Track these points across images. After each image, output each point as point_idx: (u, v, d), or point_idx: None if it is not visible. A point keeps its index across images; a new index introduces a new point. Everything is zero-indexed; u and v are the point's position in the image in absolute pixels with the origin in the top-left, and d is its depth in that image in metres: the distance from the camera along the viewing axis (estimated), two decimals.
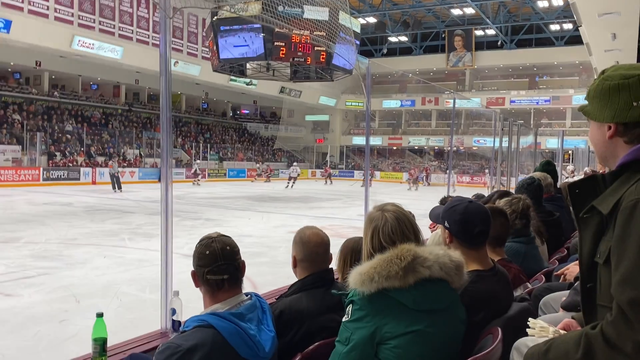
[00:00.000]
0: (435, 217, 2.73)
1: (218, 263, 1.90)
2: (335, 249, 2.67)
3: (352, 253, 2.45)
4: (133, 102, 37.02)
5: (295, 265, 2.30)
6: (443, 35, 42.29)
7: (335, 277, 2.60)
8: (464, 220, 2.08)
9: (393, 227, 1.79)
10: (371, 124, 45.00)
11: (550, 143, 33.51)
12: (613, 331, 1.17)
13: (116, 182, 22.78)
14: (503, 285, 2.12)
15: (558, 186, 5.06)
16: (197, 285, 1.97)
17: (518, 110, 40.37)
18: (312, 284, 2.23)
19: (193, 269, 1.95)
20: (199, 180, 29.65)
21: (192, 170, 30.24)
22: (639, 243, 1.16)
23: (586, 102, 1.41)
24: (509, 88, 41.78)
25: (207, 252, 1.91)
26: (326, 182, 34.46)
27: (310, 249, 2.26)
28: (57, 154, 27.42)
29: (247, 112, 47.24)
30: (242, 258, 2.06)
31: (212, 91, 39.23)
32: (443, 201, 4.72)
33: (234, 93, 39.91)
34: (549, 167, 5.18)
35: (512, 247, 2.88)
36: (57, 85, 33.06)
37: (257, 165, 36.81)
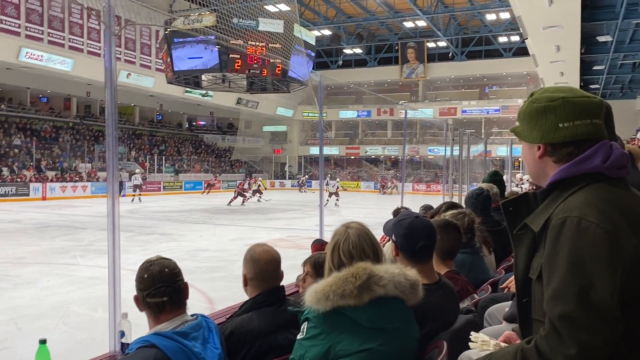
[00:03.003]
0: (387, 230, 2.77)
1: (157, 286, 1.90)
2: (293, 262, 2.65)
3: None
4: (85, 115, 36.07)
5: (246, 284, 2.29)
6: (396, 48, 43.01)
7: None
8: (408, 235, 2.12)
9: (353, 243, 1.81)
10: (328, 134, 45.30)
11: (501, 151, 34.42)
12: (546, 345, 1.21)
13: None
14: (448, 298, 2.15)
15: (505, 195, 5.20)
16: (140, 310, 1.97)
17: (470, 119, 41.34)
18: (263, 302, 2.22)
19: (135, 293, 1.95)
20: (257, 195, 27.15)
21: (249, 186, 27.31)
22: (567, 260, 1.20)
23: (517, 123, 1.46)
24: (460, 98, 42.80)
25: (146, 276, 1.92)
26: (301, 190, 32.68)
27: (261, 267, 2.25)
28: (4, 169, 26.40)
29: (203, 123, 46.72)
30: (199, 273, 2.06)
31: (167, 103, 38.66)
32: (396, 213, 4.79)
33: (190, 104, 39.43)
34: (496, 177, 5.33)
35: (457, 259, 2.93)
36: (3, 98, 31.85)
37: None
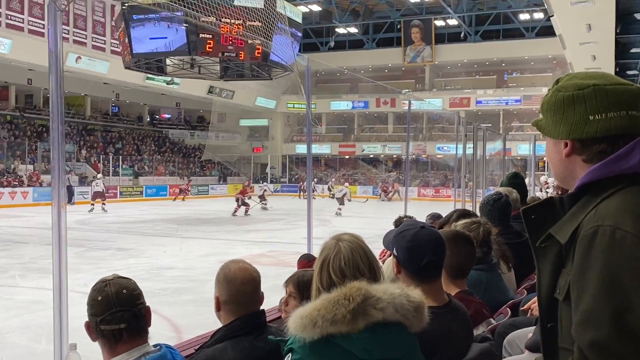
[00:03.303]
0: (388, 243, 2.78)
1: (112, 310, 1.90)
2: (276, 281, 2.65)
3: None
4: (25, 106, 35.87)
5: (218, 309, 2.28)
6: (398, 27, 43.20)
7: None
8: (411, 249, 2.13)
9: (346, 259, 1.81)
10: (317, 129, 45.35)
11: (522, 149, 34.66)
12: None
13: None
14: (460, 324, 2.17)
15: (527, 201, 5.25)
16: (93, 339, 1.96)
17: (485, 111, 41.59)
18: (239, 330, 2.21)
19: (87, 319, 1.94)
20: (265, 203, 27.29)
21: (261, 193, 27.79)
22: (599, 277, 1.21)
23: (541, 116, 1.47)
24: (474, 87, 43.00)
25: (100, 298, 1.92)
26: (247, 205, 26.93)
27: (237, 287, 2.24)
28: None
29: (168, 116, 46.61)
30: (164, 296, 2.06)
31: (125, 92, 38.52)
32: (398, 222, 4.81)
33: (152, 94, 39.33)
34: (516, 180, 5.37)
35: (470, 277, 2.95)
36: None
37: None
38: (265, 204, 27.09)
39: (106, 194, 26.60)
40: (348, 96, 45.70)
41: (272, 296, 2.69)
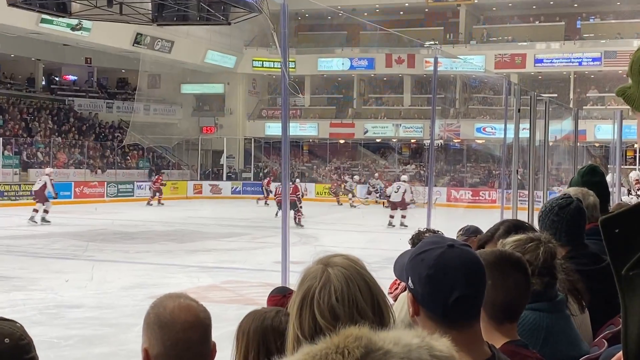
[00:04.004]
0: (401, 269, 2.79)
1: None
2: (235, 327, 2.66)
3: (263, 339, 2.45)
4: None
5: None
6: None
7: None
8: (435, 278, 2.10)
9: (338, 293, 1.82)
10: (297, 100, 45.23)
11: (602, 131, 34.78)
12: None
13: None
14: None
15: (609, 208, 5.26)
16: None
17: (548, 75, 41.78)
18: None
19: None
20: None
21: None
22: None
23: (629, 81, 1.47)
24: (532, 38, 43.09)
25: None
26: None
27: (176, 335, 2.25)
28: None
29: (73, 78, 46.48)
30: (65, 347, 2.07)
31: (8, 42, 38.36)
32: (416, 239, 4.83)
33: (49, 45, 39.24)
34: (593, 177, 5.37)
35: (526, 319, 2.95)
36: None
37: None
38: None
39: (48, 196, 26.22)
40: (344, 51, 45.74)
41: (229, 348, 2.69)
